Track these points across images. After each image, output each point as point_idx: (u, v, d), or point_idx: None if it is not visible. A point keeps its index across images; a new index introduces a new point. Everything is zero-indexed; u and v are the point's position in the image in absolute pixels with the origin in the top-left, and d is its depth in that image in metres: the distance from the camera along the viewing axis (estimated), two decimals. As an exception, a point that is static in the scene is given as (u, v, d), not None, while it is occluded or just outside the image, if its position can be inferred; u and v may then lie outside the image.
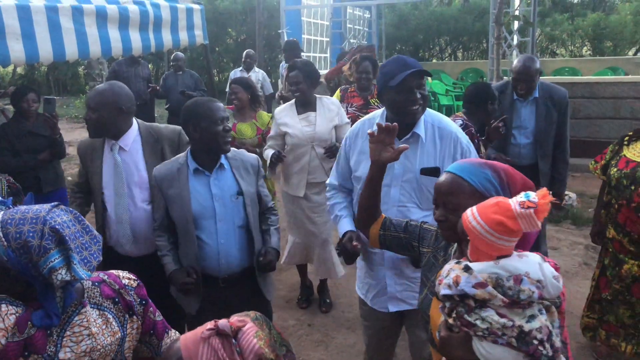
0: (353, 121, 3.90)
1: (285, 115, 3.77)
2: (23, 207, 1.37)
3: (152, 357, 1.62)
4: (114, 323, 1.44)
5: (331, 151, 3.67)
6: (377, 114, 2.46)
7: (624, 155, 2.96)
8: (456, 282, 1.31)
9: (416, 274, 2.26)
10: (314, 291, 4.24)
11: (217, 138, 2.40)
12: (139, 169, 2.69)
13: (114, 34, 4.05)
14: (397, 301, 2.38)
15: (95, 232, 1.42)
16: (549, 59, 13.78)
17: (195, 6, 5.05)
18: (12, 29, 3.23)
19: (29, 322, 1.32)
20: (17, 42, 3.26)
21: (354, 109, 4.28)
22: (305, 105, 3.76)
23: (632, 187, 2.81)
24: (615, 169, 2.94)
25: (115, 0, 4.16)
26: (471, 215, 1.34)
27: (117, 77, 7.14)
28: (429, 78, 11.85)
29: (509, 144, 3.83)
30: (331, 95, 4.34)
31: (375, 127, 2.37)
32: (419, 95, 2.22)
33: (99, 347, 1.40)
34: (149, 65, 7.87)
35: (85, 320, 1.40)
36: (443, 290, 1.34)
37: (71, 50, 3.70)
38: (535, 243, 3.91)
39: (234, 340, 1.14)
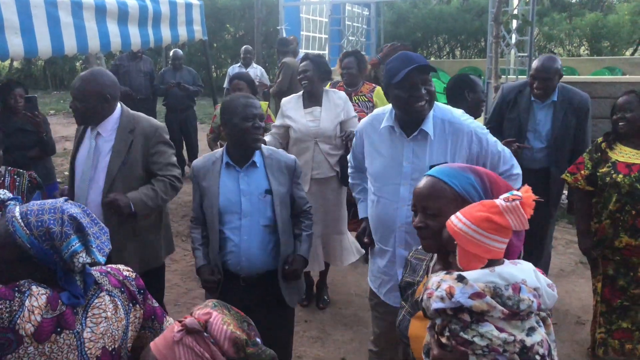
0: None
1: (291, 108, 3.74)
2: (37, 201, 1.46)
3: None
4: (121, 310, 1.50)
5: (349, 138, 3.57)
6: (386, 111, 2.42)
7: (617, 161, 2.94)
8: (450, 294, 1.19)
9: None
10: (313, 290, 4.24)
11: (246, 134, 2.43)
12: (106, 155, 2.70)
13: (113, 28, 4.05)
14: None
15: (102, 224, 1.50)
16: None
17: (195, 1, 5.05)
18: (11, 23, 3.22)
19: (59, 301, 1.39)
20: (16, 36, 3.26)
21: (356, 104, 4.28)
22: (312, 98, 3.74)
23: None
24: (620, 175, 2.90)
25: (114, -5, 4.16)
26: (455, 218, 1.28)
27: (118, 72, 7.11)
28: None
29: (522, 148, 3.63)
30: None
31: (382, 125, 2.39)
32: (424, 91, 2.18)
33: (110, 330, 1.47)
34: (151, 61, 7.81)
35: (102, 303, 1.47)
36: (435, 304, 1.21)
37: (70, 45, 3.69)
38: (541, 245, 3.84)
39: (205, 334, 1.16)
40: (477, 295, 1.19)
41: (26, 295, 1.34)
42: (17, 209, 1.42)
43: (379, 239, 2.45)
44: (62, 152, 8.52)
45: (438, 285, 1.24)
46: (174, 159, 2.87)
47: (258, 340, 1.22)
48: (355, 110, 4.05)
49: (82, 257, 1.38)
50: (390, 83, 2.22)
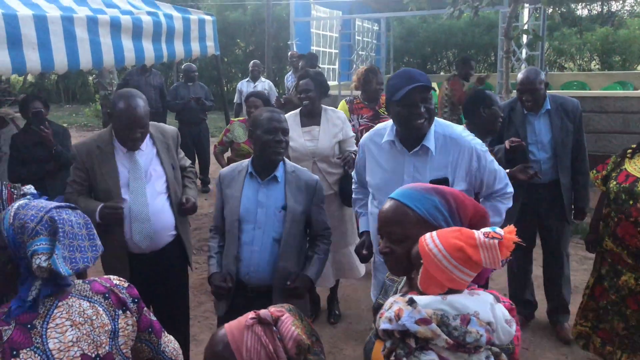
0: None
1: (289, 127, 3.76)
2: (42, 200, 1.51)
3: (152, 357, 1.69)
4: (104, 315, 1.51)
5: (347, 160, 3.60)
6: (388, 126, 2.48)
7: (625, 169, 2.96)
8: (397, 316, 1.18)
9: None
10: (320, 306, 4.21)
11: (267, 147, 2.49)
12: (155, 164, 2.80)
13: (127, 44, 4.09)
14: None
15: (98, 243, 1.52)
16: (557, 73, 13.77)
17: (207, 17, 5.11)
18: (29, 39, 3.28)
19: (0, 329, 1.39)
20: (33, 51, 3.31)
21: (365, 120, 4.28)
22: (310, 116, 3.73)
23: (631, 202, 2.81)
24: (614, 182, 2.94)
25: (129, 11, 4.22)
26: (430, 238, 1.25)
27: (128, 86, 7.19)
28: (437, 90, 11.89)
29: (527, 161, 3.61)
30: None
31: (383, 140, 2.42)
32: (423, 109, 2.23)
33: (84, 336, 1.46)
34: (161, 75, 7.89)
35: (65, 312, 1.46)
36: (383, 325, 1.21)
37: (85, 60, 3.74)
38: (559, 261, 3.79)
39: (274, 328, 1.23)
40: (423, 321, 1.16)
41: None
42: (23, 201, 1.47)
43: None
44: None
45: (390, 306, 1.23)
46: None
47: (322, 354, 1.27)
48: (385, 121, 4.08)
49: (40, 260, 1.37)
50: (391, 100, 2.28)
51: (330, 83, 4.81)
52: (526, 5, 7.01)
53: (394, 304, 1.23)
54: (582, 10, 17.19)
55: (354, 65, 9.62)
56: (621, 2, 17.29)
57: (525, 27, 7.00)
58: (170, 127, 3.04)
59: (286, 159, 2.69)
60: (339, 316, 4.08)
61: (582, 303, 3.27)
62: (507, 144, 3.44)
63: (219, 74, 6.10)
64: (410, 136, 2.33)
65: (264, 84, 8.02)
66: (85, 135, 12.37)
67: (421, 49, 16.62)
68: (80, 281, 1.55)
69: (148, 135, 2.80)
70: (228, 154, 4.95)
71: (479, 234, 1.21)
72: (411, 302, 1.20)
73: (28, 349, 1.39)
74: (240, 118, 5.03)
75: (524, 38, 7.10)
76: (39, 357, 1.40)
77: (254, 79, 7.95)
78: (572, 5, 15.01)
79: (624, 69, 14.26)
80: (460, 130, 2.39)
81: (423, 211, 1.37)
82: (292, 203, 2.53)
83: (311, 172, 3.62)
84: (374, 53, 12.00)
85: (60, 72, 3.71)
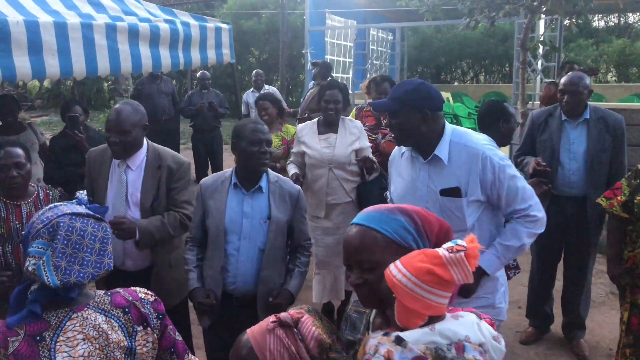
0: None
1: (306, 134, 3.78)
2: (75, 206, 1.49)
3: None
4: (119, 331, 1.45)
5: (365, 161, 3.60)
6: None
7: None
8: (389, 359, 1.09)
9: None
10: (333, 315, 4.19)
11: (252, 159, 2.49)
12: (137, 189, 2.73)
13: (144, 51, 4.12)
14: None
15: (107, 260, 1.47)
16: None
17: (224, 25, 5.13)
18: (49, 45, 3.31)
19: (8, 339, 1.35)
20: (53, 58, 3.34)
21: (365, 128, 4.28)
22: (328, 125, 3.77)
23: None
24: None
25: (147, 19, 4.26)
26: (395, 268, 1.16)
27: (141, 94, 7.25)
28: (451, 101, 11.86)
29: (555, 170, 3.52)
30: None
31: (403, 150, 2.42)
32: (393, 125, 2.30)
33: (97, 351, 1.40)
34: (172, 82, 7.95)
35: (78, 324, 1.41)
36: None
37: (103, 66, 3.77)
38: (581, 279, 3.63)
39: (295, 330, 1.26)
40: (419, 359, 1.09)
41: None
42: (58, 204, 1.48)
43: None
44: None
45: (375, 350, 1.13)
46: (193, 196, 2.80)
47: (343, 352, 1.29)
48: (387, 133, 4.08)
49: (30, 262, 1.36)
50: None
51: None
52: (542, 16, 6.96)
53: (380, 346, 1.13)
54: (598, 22, 17.09)
55: (368, 75, 9.63)
56: (638, 14, 17.16)
57: (542, 38, 6.96)
58: (174, 157, 2.82)
59: (269, 170, 2.66)
60: (338, 327, 4.03)
61: (620, 341, 3.08)
62: (533, 164, 3.36)
63: (234, 82, 6.15)
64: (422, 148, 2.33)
65: (268, 89, 8.06)
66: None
67: (435, 59, 16.61)
68: (102, 292, 1.51)
69: (144, 159, 2.75)
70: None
71: (442, 251, 1.14)
72: (399, 341, 1.11)
73: None
74: None
75: (540, 49, 7.05)
76: None
77: (258, 88, 7.99)
78: (589, 17, 14.93)
79: (641, 81, 14.13)
80: (477, 139, 2.31)
81: (391, 233, 1.27)
82: (277, 213, 2.54)
83: (327, 179, 3.70)
84: (388, 62, 12.00)
85: (78, 78, 3.74)
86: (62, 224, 1.39)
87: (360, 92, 4.82)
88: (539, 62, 7.67)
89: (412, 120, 2.22)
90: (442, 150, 2.26)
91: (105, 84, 17.85)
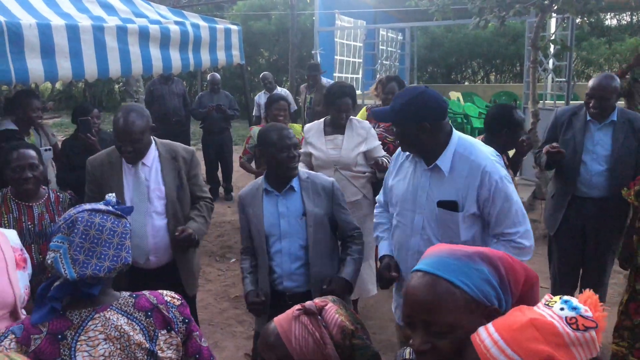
0: (381, 142, 3.91)
1: (313, 135, 3.79)
2: (100, 205, 1.53)
3: None
4: (140, 334, 1.46)
5: (379, 165, 3.67)
6: None
7: None
8: None
9: None
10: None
11: (282, 165, 2.52)
12: (159, 183, 2.80)
13: (155, 52, 4.16)
14: None
15: (125, 254, 1.48)
16: (585, 83, 13.55)
17: (233, 27, 5.16)
18: (61, 48, 3.35)
19: (31, 336, 1.37)
20: (65, 60, 3.39)
21: (381, 129, 4.26)
22: (335, 126, 3.77)
23: None
24: None
25: (157, 21, 4.29)
26: (490, 341, 0.91)
27: (153, 95, 7.31)
28: (461, 101, 11.81)
29: (578, 171, 3.42)
30: None
31: (409, 156, 2.39)
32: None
33: (118, 351, 1.42)
34: (183, 83, 8.00)
35: (100, 324, 1.43)
36: None
37: (114, 68, 3.81)
38: (599, 282, 3.59)
39: (319, 317, 1.34)
40: None
41: None
42: (82, 206, 1.51)
43: (401, 266, 2.40)
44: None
45: None
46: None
47: (367, 339, 1.34)
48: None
49: (50, 256, 1.40)
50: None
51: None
52: (554, 15, 6.91)
53: None
54: (611, 20, 16.92)
55: (378, 75, 9.62)
56: (651, 11, 16.96)
57: (553, 37, 6.91)
58: (183, 147, 2.96)
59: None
60: None
61: (617, 322, 3.15)
62: (547, 148, 3.32)
63: (244, 83, 6.15)
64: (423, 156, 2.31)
65: (281, 93, 8.09)
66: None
67: (446, 58, 16.54)
68: (127, 294, 1.52)
69: (156, 154, 2.82)
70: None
71: (561, 325, 0.88)
72: None
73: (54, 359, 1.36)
74: (259, 125, 5.10)
75: (552, 48, 7.00)
76: None
77: (270, 90, 8.01)
78: (601, 15, 14.79)
79: (654, 79, 13.95)
80: (482, 152, 2.22)
81: (473, 289, 1.03)
82: (311, 208, 2.55)
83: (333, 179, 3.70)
84: (398, 63, 11.98)
85: (90, 80, 3.78)
86: (80, 219, 1.43)
87: (370, 94, 4.82)
88: (550, 61, 7.61)
89: (411, 131, 2.18)
90: (444, 161, 2.20)
91: (117, 86, 17.98)
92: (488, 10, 6.09)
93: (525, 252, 2.21)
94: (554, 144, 3.33)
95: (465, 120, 10.64)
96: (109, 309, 1.45)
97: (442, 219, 2.22)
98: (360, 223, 3.75)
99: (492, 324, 0.95)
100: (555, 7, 5.96)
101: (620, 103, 5.70)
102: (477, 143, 2.29)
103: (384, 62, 11.04)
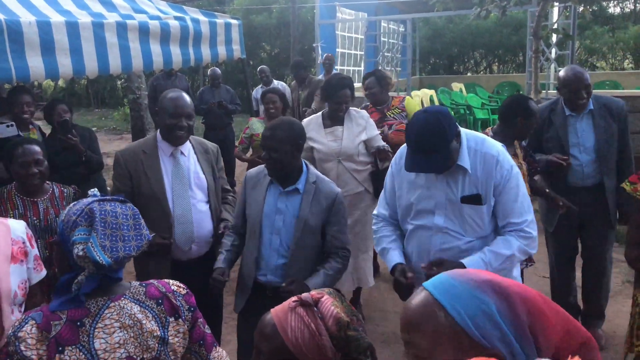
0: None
1: (312, 129, 3.75)
2: (96, 197, 1.56)
3: None
4: (152, 322, 1.51)
5: (380, 152, 3.69)
6: None
7: None
8: None
9: None
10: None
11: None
12: (198, 172, 2.87)
13: (155, 48, 4.15)
14: None
15: (145, 232, 1.54)
16: (588, 72, 13.49)
17: (234, 21, 5.15)
18: (61, 45, 3.35)
19: (51, 322, 1.42)
20: (65, 57, 3.39)
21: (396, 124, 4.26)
22: (333, 118, 3.77)
23: None
24: None
25: (157, 16, 4.28)
26: None
27: (157, 91, 7.30)
28: (464, 92, 11.77)
29: (568, 165, 3.47)
30: None
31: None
32: None
33: (132, 339, 1.47)
34: (186, 78, 8.00)
35: (115, 313, 1.48)
36: None
37: (115, 65, 3.81)
38: (601, 269, 3.63)
39: (315, 309, 1.35)
40: None
41: (18, 343, 1.38)
42: (84, 200, 1.53)
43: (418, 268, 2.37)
44: (106, 168, 8.76)
45: None
46: None
47: (362, 331, 1.36)
48: (393, 124, 4.07)
49: (78, 249, 1.42)
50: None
51: (356, 85, 4.80)
52: (556, 3, 6.86)
53: None
54: (614, 8, 16.78)
55: (380, 67, 9.59)
56: (655, -1, 16.84)
57: (555, 26, 6.87)
58: (211, 143, 3.07)
59: (311, 167, 2.68)
60: (363, 318, 4.06)
61: (631, 323, 3.03)
62: (552, 157, 3.37)
63: (245, 77, 6.15)
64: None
65: (277, 85, 8.09)
66: (113, 139, 12.65)
67: (448, 49, 16.46)
68: (137, 283, 1.57)
69: (190, 145, 2.89)
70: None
71: None
72: None
73: (74, 346, 1.42)
74: (259, 117, 5.11)
75: (554, 37, 6.96)
76: (83, 356, 1.42)
77: (267, 84, 8.01)
78: (604, 3, 14.68)
79: (658, 67, 13.88)
80: (491, 143, 2.30)
81: (464, 319, 0.89)
82: (306, 213, 2.53)
83: (337, 172, 3.69)
84: (400, 54, 11.93)
85: (91, 77, 3.78)
86: (95, 209, 1.46)
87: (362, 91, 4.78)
88: (553, 51, 7.58)
89: (447, 153, 2.18)
90: (464, 160, 2.24)
91: (119, 82, 17.99)
92: (489, 0, 6.05)
93: (533, 241, 2.28)
94: (558, 155, 3.37)
95: (468, 112, 10.61)
96: (122, 298, 1.51)
97: (467, 214, 2.26)
98: (362, 214, 3.79)
99: None
100: (557, -4, 5.92)
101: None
102: (483, 135, 2.37)
103: (386, 54, 10.99)
